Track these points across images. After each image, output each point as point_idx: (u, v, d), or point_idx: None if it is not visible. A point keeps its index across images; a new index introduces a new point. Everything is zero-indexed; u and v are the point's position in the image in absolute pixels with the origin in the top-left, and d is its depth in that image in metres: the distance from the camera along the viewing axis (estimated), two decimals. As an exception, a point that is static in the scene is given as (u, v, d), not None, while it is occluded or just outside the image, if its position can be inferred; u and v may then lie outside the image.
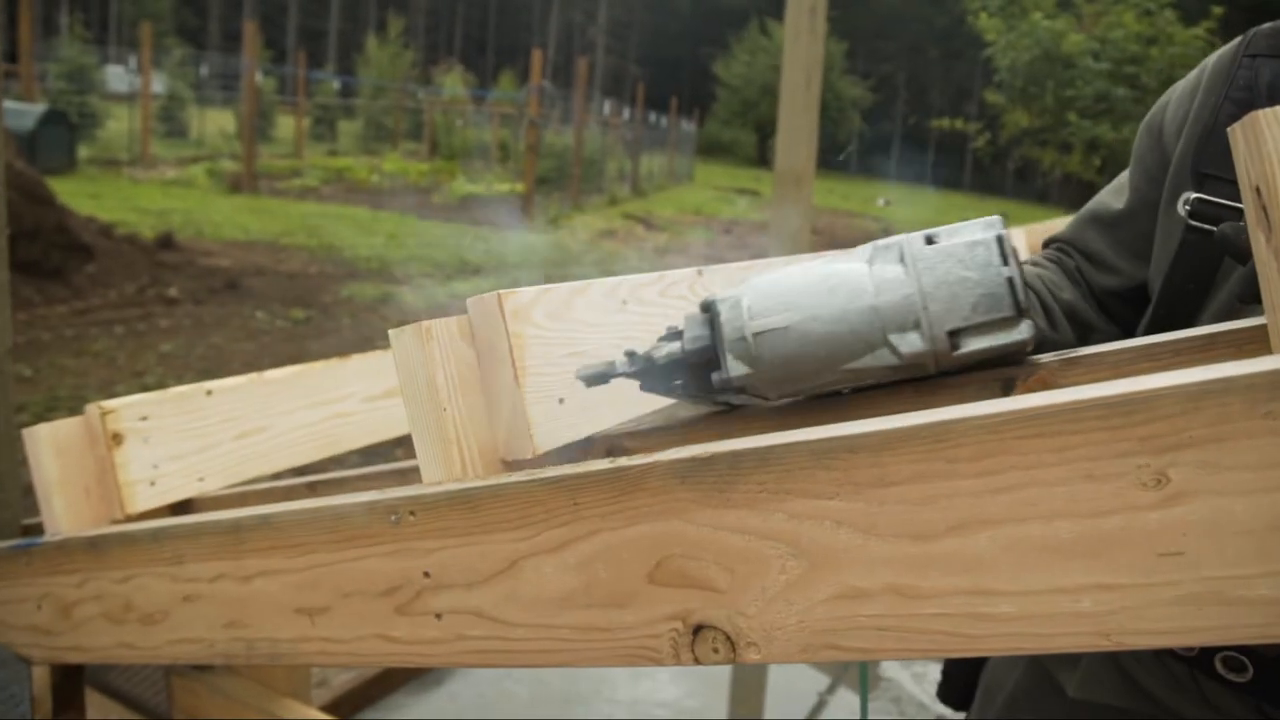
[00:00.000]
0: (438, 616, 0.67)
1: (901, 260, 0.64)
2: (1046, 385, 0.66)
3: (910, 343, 0.62)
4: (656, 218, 16.44)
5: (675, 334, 0.71)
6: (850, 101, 47.71)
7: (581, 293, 0.81)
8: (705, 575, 0.57)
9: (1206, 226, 0.82)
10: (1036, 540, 0.49)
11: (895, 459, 0.51)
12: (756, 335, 0.65)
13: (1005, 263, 0.62)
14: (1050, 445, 0.48)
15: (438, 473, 0.72)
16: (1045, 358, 0.67)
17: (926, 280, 0.63)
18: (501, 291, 0.73)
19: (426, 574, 0.67)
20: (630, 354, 0.71)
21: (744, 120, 48.78)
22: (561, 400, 0.76)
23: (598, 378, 0.72)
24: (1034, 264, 1.04)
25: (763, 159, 45.38)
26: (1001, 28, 11.61)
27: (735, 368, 0.66)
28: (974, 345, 0.63)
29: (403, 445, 4.17)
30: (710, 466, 0.55)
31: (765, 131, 46.74)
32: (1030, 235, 3.76)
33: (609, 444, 0.80)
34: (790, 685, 2.81)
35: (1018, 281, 0.62)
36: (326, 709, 2.25)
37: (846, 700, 2.76)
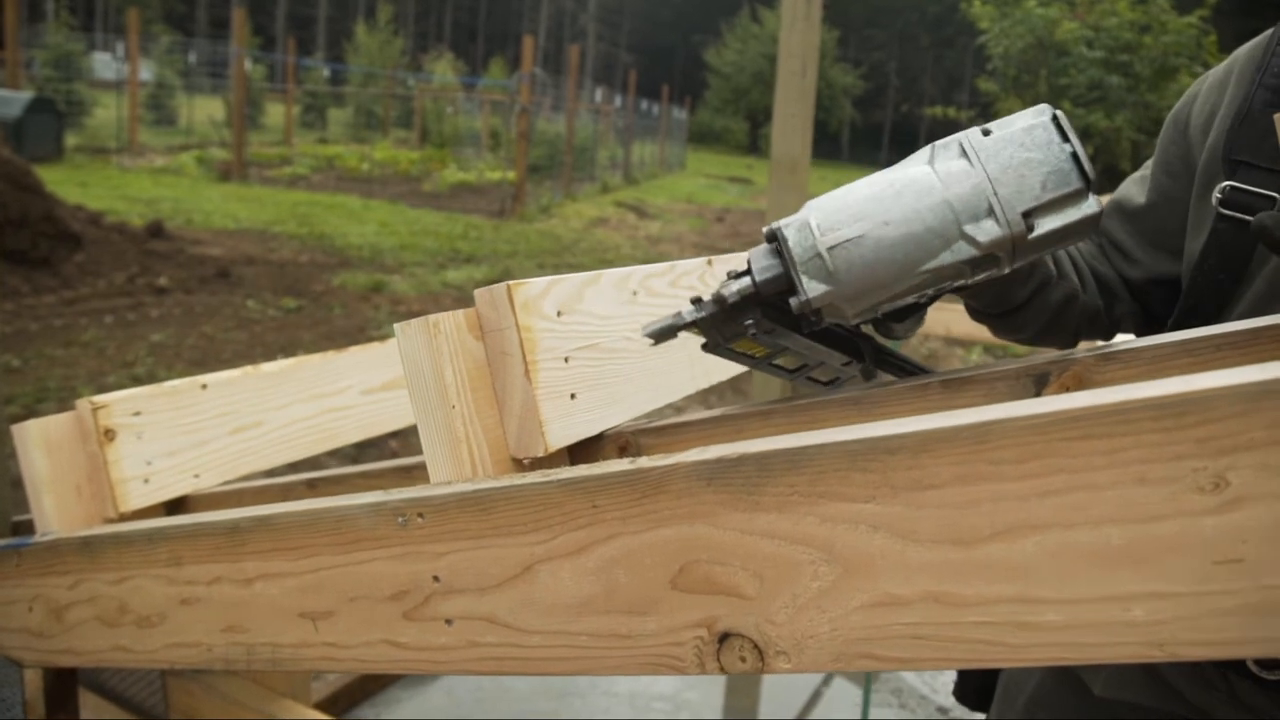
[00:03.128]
0: (448, 622, 0.64)
1: (964, 154, 0.63)
2: (1081, 381, 0.63)
3: (987, 230, 0.62)
4: (649, 206, 16.39)
5: (740, 274, 0.68)
6: (842, 89, 47.62)
7: (592, 283, 0.78)
8: (732, 581, 0.54)
9: (1239, 215, 0.80)
10: (1085, 546, 0.47)
11: (935, 461, 0.49)
12: (831, 249, 0.63)
13: (1066, 139, 0.62)
14: (1100, 447, 0.46)
15: (446, 472, 0.69)
16: (1079, 353, 0.65)
17: (992, 167, 0.62)
18: (511, 283, 0.70)
19: (436, 578, 0.64)
20: (696, 300, 0.68)
21: (735, 108, 48.69)
22: (573, 395, 0.74)
23: (666, 331, 0.68)
24: None
25: (754, 146, 45.30)
26: (995, 15, 11.56)
27: (813, 288, 0.64)
28: (1049, 225, 0.62)
29: (396, 436, 4.14)
30: (738, 468, 0.53)
31: (757, 119, 46.66)
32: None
33: (622, 440, 0.78)
34: (786, 677, 2.80)
35: (1082, 155, 0.62)
36: (323, 704, 2.22)
37: (843, 690, 2.75)
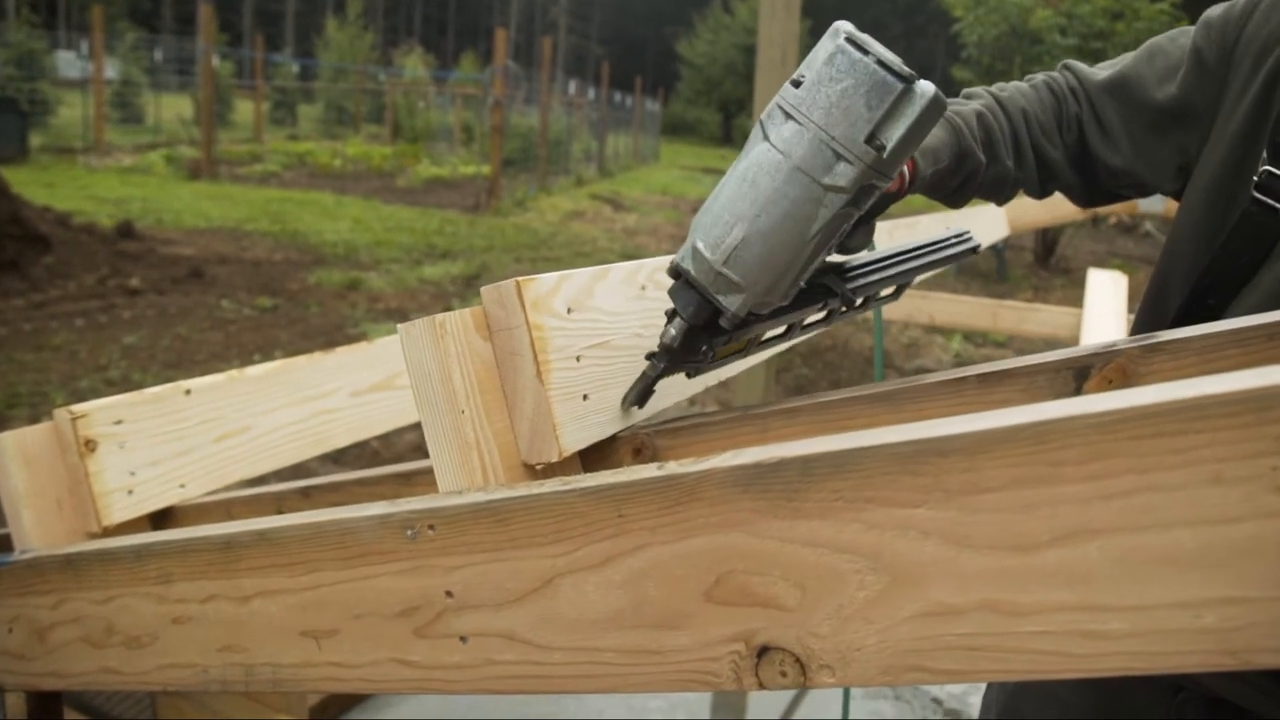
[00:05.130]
0: (463, 640, 0.61)
1: (788, 116, 0.64)
2: (1126, 374, 0.60)
3: (844, 173, 0.63)
4: (624, 198, 16.33)
5: (671, 312, 0.71)
6: (814, 79, 47.49)
7: (601, 278, 0.75)
8: (771, 592, 0.51)
9: (1272, 203, 0.78)
10: (1153, 551, 0.44)
11: (991, 463, 0.46)
12: (725, 264, 0.65)
13: (865, 52, 0.62)
14: (1170, 446, 0.43)
15: (456, 480, 0.65)
16: (1123, 344, 0.62)
17: (817, 115, 0.63)
18: (520, 279, 0.67)
19: (449, 593, 0.61)
20: (650, 355, 0.71)
21: (708, 99, 48.62)
22: (586, 396, 0.70)
23: (644, 393, 0.72)
24: (1034, 90, 1.01)
25: (727, 138, 45.27)
26: (969, 3, 11.57)
27: (731, 302, 0.66)
28: (896, 133, 0.62)
29: (379, 436, 4.07)
30: (777, 473, 0.49)
31: (729, 110, 46.63)
32: (1010, 209, 3.74)
33: (636, 442, 0.74)
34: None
35: (886, 57, 0.62)
36: (315, 710, 2.18)
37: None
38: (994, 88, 1.01)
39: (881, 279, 0.79)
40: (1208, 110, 0.91)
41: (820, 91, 0.63)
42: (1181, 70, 0.93)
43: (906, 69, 0.62)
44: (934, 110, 0.62)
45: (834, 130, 0.62)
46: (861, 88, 0.62)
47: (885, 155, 0.62)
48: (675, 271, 0.68)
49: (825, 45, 0.64)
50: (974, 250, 0.88)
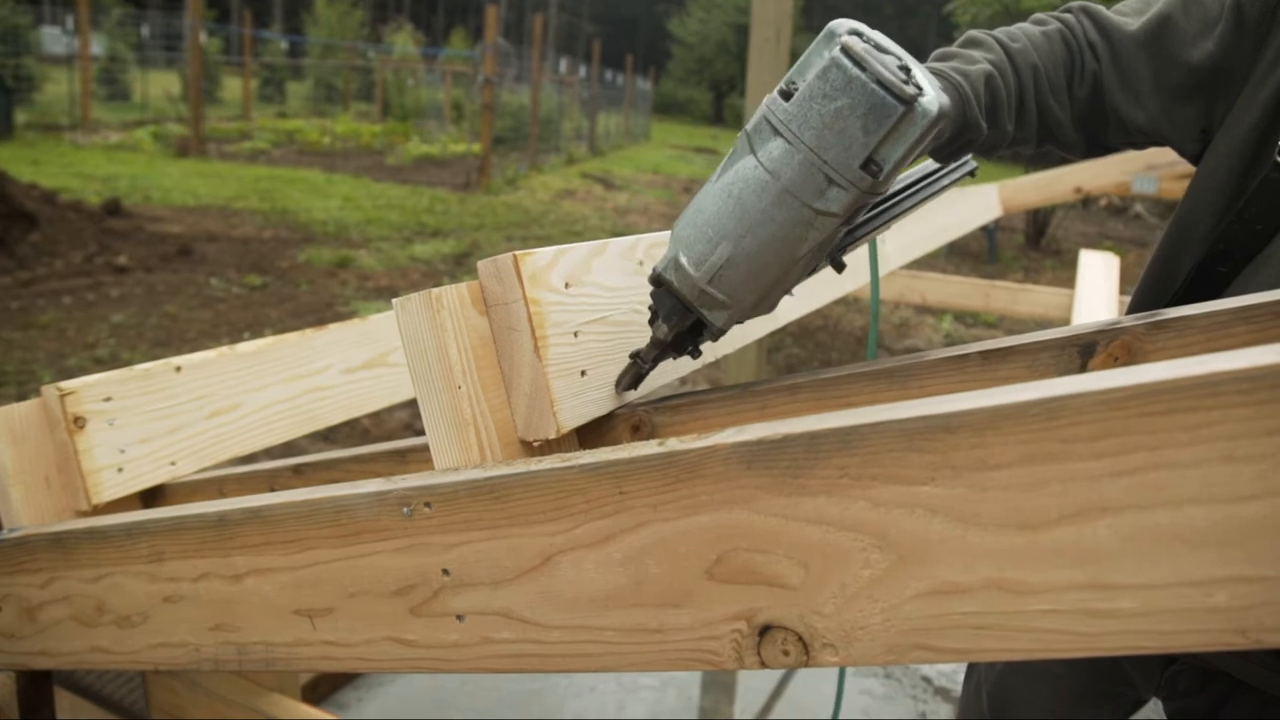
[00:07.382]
0: (459, 618, 0.60)
1: (776, 132, 0.60)
2: (1131, 351, 0.60)
3: (836, 199, 0.59)
4: (615, 177, 16.26)
5: (654, 313, 0.70)
6: (807, 58, 47.29)
7: (599, 253, 0.74)
8: (774, 570, 0.50)
9: None
10: (1164, 529, 0.43)
11: (1001, 439, 0.45)
12: (710, 283, 0.64)
13: (863, 69, 0.56)
14: (1182, 423, 0.42)
15: (453, 457, 0.64)
16: (1127, 321, 0.61)
17: (809, 136, 0.58)
18: (518, 253, 0.65)
19: (446, 571, 0.60)
20: (635, 354, 0.72)
21: (699, 78, 48.39)
22: (584, 372, 0.69)
23: (637, 379, 0.73)
24: (1047, 40, 0.93)
25: (718, 117, 45.11)
26: (962, -18, 11.54)
27: (716, 317, 0.65)
28: (894, 155, 0.59)
29: (371, 414, 4.06)
30: (783, 449, 0.49)
31: (720, 89, 46.44)
32: (1004, 190, 3.73)
33: (634, 419, 0.74)
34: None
35: (885, 72, 0.56)
36: (306, 688, 2.17)
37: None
38: (1002, 34, 0.93)
39: (873, 230, 0.74)
40: (1241, 72, 0.86)
41: (812, 109, 0.58)
42: (1220, 26, 0.87)
43: (908, 87, 0.56)
44: (936, 125, 0.58)
45: (826, 154, 0.58)
46: (858, 109, 0.57)
47: (881, 177, 0.58)
48: (657, 280, 0.66)
49: (819, 54, 0.59)
50: (971, 173, 0.82)
